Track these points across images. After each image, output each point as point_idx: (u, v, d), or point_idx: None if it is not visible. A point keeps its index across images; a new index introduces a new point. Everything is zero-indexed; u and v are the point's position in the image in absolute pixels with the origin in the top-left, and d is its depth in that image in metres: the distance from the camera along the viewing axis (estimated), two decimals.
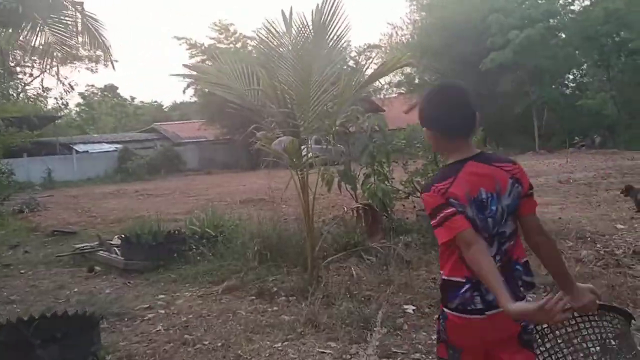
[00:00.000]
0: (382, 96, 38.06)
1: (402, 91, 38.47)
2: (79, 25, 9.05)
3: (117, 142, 34.50)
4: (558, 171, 18.44)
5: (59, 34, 8.70)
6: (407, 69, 35.02)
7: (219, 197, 16.95)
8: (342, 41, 5.68)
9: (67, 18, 8.92)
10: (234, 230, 7.59)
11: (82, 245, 8.25)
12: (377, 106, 40.68)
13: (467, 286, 2.07)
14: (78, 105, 57.95)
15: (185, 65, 5.93)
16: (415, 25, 34.13)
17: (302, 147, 5.83)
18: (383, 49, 34.89)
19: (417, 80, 35.09)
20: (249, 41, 32.32)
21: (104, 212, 14.80)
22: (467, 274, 2.05)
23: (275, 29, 5.61)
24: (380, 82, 36.67)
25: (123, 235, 7.47)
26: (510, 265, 2.12)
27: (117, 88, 61.48)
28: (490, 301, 2.02)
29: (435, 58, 32.22)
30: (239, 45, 33.40)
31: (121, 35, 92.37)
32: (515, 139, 31.00)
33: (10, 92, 34.66)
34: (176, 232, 7.72)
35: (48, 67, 10.20)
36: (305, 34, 5.53)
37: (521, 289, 2.11)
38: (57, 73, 23.27)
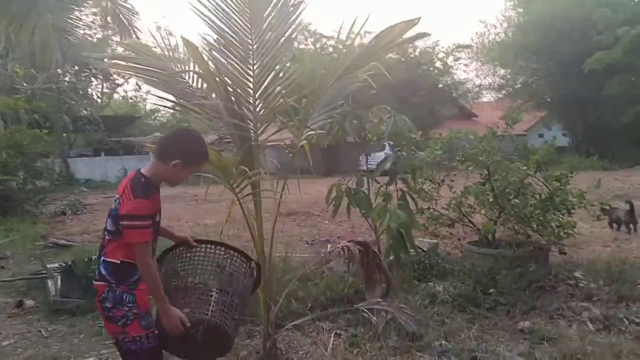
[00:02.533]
0: (470, 99, 35.21)
1: (496, 95, 35.27)
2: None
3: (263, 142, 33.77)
4: None
5: None
6: (501, 71, 31.94)
7: (273, 205, 15.37)
8: None
9: None
10: None
11: (41, 269, 6.80)
12: (469, 111, 37.91)
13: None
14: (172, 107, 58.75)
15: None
16: (511, 22, 30.97)
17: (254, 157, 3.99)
18: (474, 49, 32.05)
19: (518, 85, 31.84)
20: (326, 41, 30.82)
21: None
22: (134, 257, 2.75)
23: None
24: (470, 85, 33.99)
25: (63, 263, 5.89)
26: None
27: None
28: None
29: (532, 58, 29.03)
30: (318, 45, 31.92)
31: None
32: (623, 151, 27.22)
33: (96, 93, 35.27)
34: None
35: None
36: None
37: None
38: None
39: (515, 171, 5.82)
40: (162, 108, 54.31)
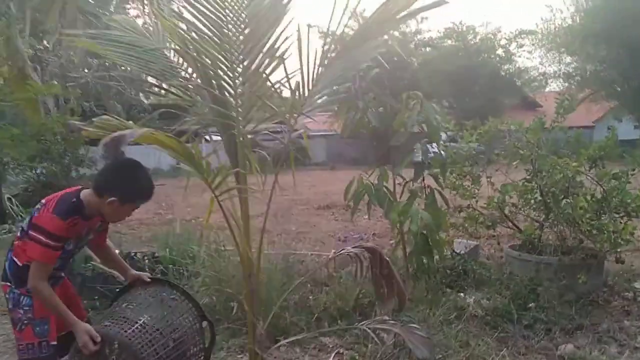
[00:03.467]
0: (533, 89, 33.51)
1: (562, 84, 33.38)
2: None
3: (270, 132, 33.82)
4: None
5: None
6: (568, 58, 30.13)
7: (314, 197, 14.95)
8: None
9: None
10: (213, 263, 5.31)
11: None
12: (532, 101, 36.15)
13: None
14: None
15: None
16: (578, 6, 29.06)
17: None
18: (539, 35, 30.31)
19: (586, 73, 29.92)
20: None
21: (179, 210, 13.38)
22: None
23: None
24: (534, 73, 32.34)
25: None
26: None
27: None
28: None
29: (601, 45, 27.18)
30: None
31: None
32: None
33: None
34: (136, 256, 5.64)
35: None
36: None
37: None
38: None
39: (562, 168, 5.03)
40: None
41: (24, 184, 14.37)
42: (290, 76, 3.34)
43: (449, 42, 31.45)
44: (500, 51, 30.82)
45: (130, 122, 3.16)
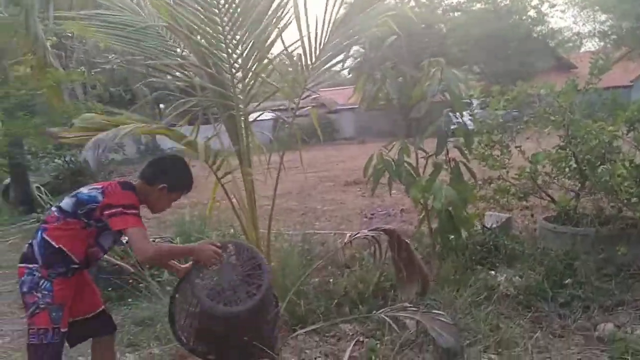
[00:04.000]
0: (568, 50, 32.26)
1: (598, 43, 32.07)
2: None
3: (273, 110, 33.57)
4: None
5: None
6: (602, 16, 28.83)
7: (342, 173, 14.65)
8: None
9: None
10: None
11: None
12: (567, 62, 34.91)
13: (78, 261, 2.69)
14: None
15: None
16: None
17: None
18: None
19: (624, 30, 28.57)
20: None
21: (206, 192, 13.26)
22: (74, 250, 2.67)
23: None
24: (568, 33, 31.14)
25: None
26: None
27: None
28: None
29: (637, 0, 25.89)
30: None
31: None
32: None
33: None
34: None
35: None
36: None
37: None
38: None
39: (597, 133, 4.66)
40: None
41: (53, 172, 14.49)
42: (290, 49, 3.08)
43: (478, 5, 30.46)
44: (531, 12, 29.70)
45: (125, 113, 2.99)
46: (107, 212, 2.59)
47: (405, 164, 4.88)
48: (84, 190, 2.71)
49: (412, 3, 28.33)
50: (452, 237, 4.68)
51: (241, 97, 3.15)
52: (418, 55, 26.31)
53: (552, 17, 36.63)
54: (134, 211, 2.62)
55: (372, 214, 8.42)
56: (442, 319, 3.21)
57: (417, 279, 3.61)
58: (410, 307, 3.26)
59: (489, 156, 5.80)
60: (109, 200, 2.61)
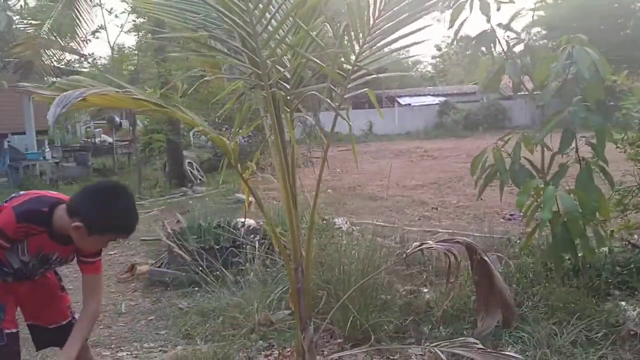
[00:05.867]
0: None
1: None
2: None
3: (442, 95, 32.38)
4: None
5: None
6: None
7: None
8: None
9: None
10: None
11: None
12: None
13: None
14: (433, 57, 57.77)
15: None
16: None
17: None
18: None
19: None
20: None
21: (347, 177, 13.03)
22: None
23: None
24: None
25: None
26: None
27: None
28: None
29: None
30: None
31: None
32: None
33: None
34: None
35: None
36: None
37: None
38: None
39: None
40: (423, 60, 54.25)
41: (211, 149, 15.16)
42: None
43: None
44: None
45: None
46: None
47: (527, 163, 4.10)
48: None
49: None
50: (569, 256, 3.80)
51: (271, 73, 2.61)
52: (610, 39, 23.45)
53: None
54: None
55: (512, 215, 7.47)
56: None
57: (498, 306, 2.91)
58: (474, 342, 2.59)
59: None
60: (1, 209, 2.27)
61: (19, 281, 2.46)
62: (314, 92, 2.78)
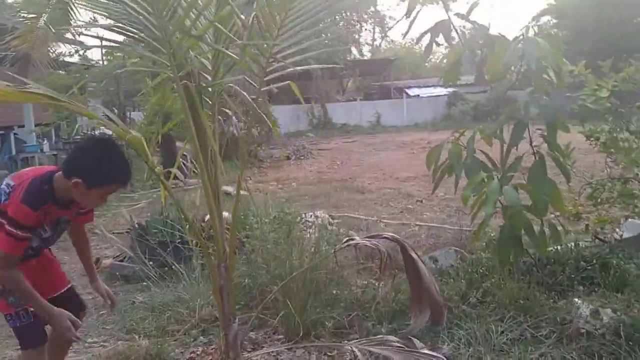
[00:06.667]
0: None
1: None
2: None
3: (452, 86, 32.05)
4: None
5: None
6: None
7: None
8: None
9: None
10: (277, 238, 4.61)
11: None
12: None
13: None
14: (446, 48, 57.37)
15: None
16: None
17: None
18: None
19: None
20: None
21: (346, 168, 12.97)
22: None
23: None
24: None
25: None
26: None
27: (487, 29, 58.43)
28: None
29: None
30: None
31: None
32: None
33: None
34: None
35: None
36: None
37: None
38: None
39: None
40: (436, 50, 54.10)
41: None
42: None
43: None
44: None
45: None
46: (0, 219, 2.33)
47: (484, 157, 4.02)
48: (7, 179, 2.46)
49: None
50: (515, 252, 3.69)
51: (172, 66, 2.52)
52: (622, 30, 23.00)
53: None
54: (14, 231, 2.27)
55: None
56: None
57: (427, 303, 2.83)
58: (393, 340, 2.51)
59: (625, 147, 4.56)
60: (7, 206, 2.33)
61: (35, 254, 2.58)
62: (233, 85, 2.72)
